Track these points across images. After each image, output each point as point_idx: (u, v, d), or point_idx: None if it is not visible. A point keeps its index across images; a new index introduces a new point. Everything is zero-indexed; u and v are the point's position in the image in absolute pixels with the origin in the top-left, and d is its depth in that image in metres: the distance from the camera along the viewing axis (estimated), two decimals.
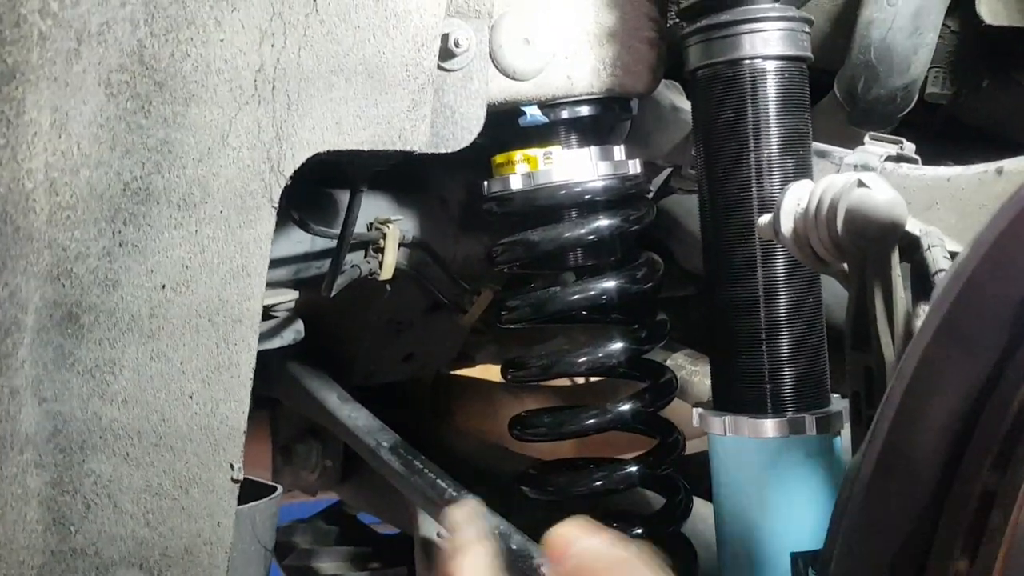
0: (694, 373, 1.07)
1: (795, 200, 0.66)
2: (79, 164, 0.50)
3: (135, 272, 0.55)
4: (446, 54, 0.73)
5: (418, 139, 0.69)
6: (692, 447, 0.96)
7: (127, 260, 0.54)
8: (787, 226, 0.66)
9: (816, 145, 0.85)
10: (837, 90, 0.98)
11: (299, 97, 0.61)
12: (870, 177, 0.63)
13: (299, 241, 0.87)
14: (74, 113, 0.50)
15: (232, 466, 0.61)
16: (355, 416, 1.00)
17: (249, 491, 0.67)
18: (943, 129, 1.13)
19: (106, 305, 0.54)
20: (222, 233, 0.59)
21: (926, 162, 0.92)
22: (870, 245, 0.62)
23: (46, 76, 0.48)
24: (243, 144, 0.59)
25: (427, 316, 1.14)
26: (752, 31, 0.75)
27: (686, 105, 0.97)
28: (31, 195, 0.48)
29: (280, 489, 0.68)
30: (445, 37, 0.72)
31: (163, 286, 0.56)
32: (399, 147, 0.68)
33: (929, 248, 0.62)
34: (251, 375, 0.62)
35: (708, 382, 0.94)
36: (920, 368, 0.48)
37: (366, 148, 0.66)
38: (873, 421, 0.50)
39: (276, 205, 0.62)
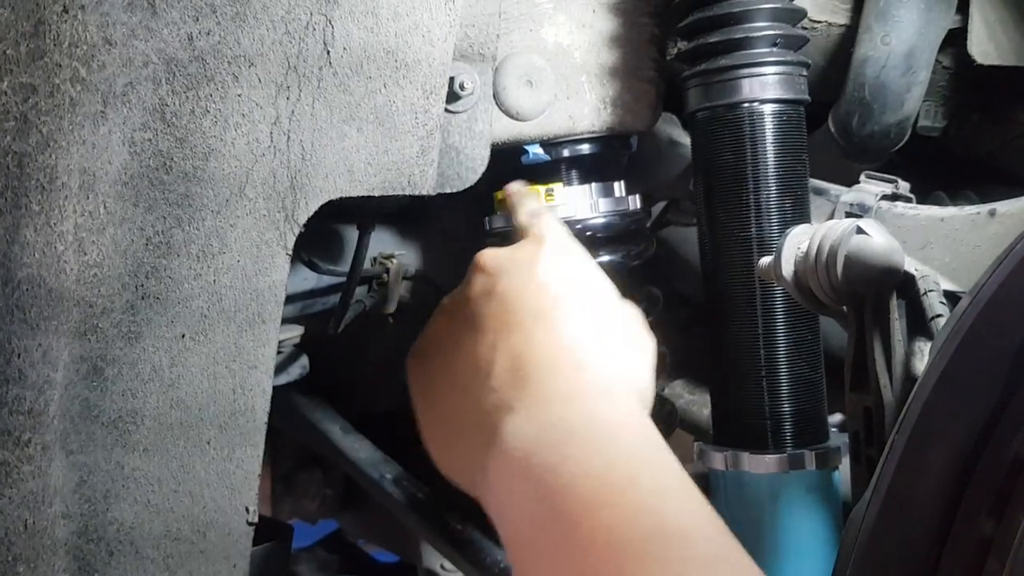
0: (692, 403, 1.08)
1: (795, 245, 0.68)
2: (105, 223, 0.52)
3: (156, 324, 0.56)
4: (452, 97, 0.75)
5: (426, 183, 0.71)
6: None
7: (149, 312, 0.56)
8: (787, 270, 0.68)
9: (813, 182, 0.87)
10: (832, 125, 1.00)
11: (313, 147, 0.63)
12: (868, 223, 0.65)
13: (305, 278, 0.89)
14: (100, 173, 0.51)
15: (248, 509, 0.62)
16: (358, 448, 1.01)
17: (261, 529, 0.68)
18: (935, 159, 1.16)
19: (129, 357, 0.55)
20: (239, 282, 0.60)
21: (918, 189, 0.94)
22: (868, 290, 0.64)
23: (76, 140, 0.49)
24: (259, 195, 0.60)
25: None
26: (751, 75, 0.77)
27: (684, 139, 0.99)
28: (62, 256, 0.49)
29: (293, 529, 0.69)
30: (451, 81, 0.74)
31: (183, 336, 0.58)
32: (408, 192, 0.69)
33: (925, 293, 0.64)
34: (265, 419, 0.63)
35: (707, 411, 0.95)
36: (921, 419, 0.50)
37: (377, 194, 0.67)
38: (877, 468, 0.52)
39: (290, 252, 0.63)
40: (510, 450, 0.58)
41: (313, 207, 0.64)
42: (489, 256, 0.72)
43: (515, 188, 0.83)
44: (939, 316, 0.62)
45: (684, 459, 0.92)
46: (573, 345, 0.64)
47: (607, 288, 0.71)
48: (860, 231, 0.64)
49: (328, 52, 0.62)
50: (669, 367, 1.04)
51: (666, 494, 0.54)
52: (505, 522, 0.58)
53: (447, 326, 0.71)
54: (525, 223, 0.77)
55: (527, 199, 0.81)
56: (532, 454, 0.56)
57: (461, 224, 1.04)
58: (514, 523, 0.57)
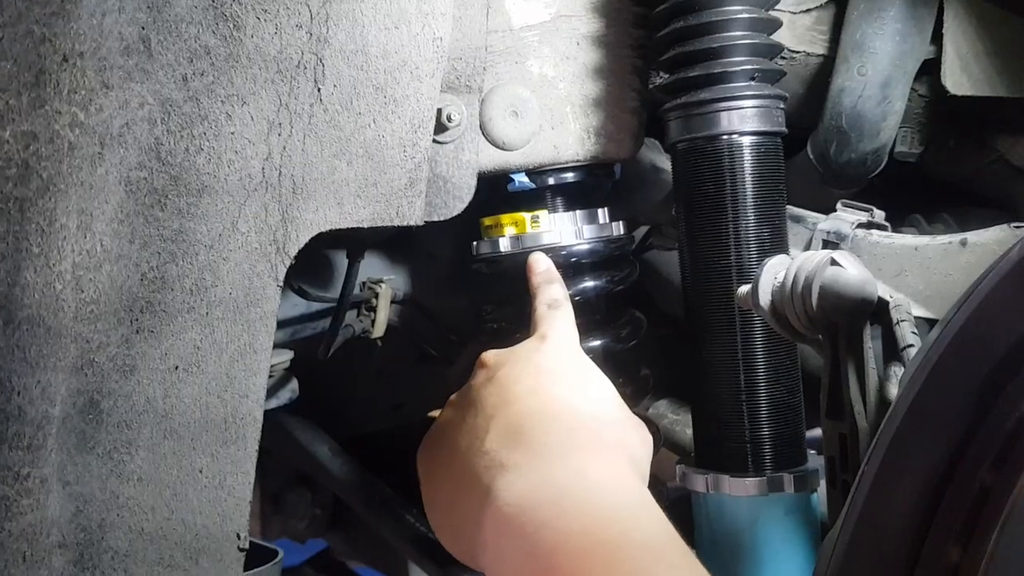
0: (675, 423, 1.10)
1: (772, 275, 0.70)
2: (102, 260, 0.53)
3: (150, 356, 0.58)
4: (439, 128, 0.76)
5: (414, 214, 0.72)
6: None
7: (143, 346, 0.57)
8: (765, 300, 0.70)
9: (791, 210, 0.89)
10: (811, 152, 1.02)
11: (303, 181, 0.64)
12: (842, 255, 0.67)
13: (295, 304, 0.90)
14: (97, 213, 0.53)
15: (239, 535, 0.63)
16: (347, 469, 1.03)
17: (250, 553, 0.69)
18: (912, 182, 1.18)
19: (124, 389, 0.57)
20: (231, 313, 0.61)
21: (895, 212, 0.96)
22: (842, 320, 0.66)
23: (74, 182, 0.51)
24: (251, 229, 0.62)
25: (415, 366, 1.17)
26: (730, 108, 0.79)
27: (667, 165, 1.01)
28: (60, 295, 0.51)
29: (282, 553, 0.71)
30: (439, 112, 0.75)
31: (176, 367, 0.59)
32: (397, 223, 0.71)
33: (898, 323, 0.66)
34: (256, 447, 0.65)
35: (690, 431, 0.97)
36: (891, 449, 0.52)
37: (366, 225, 0.69)
38: (849, 496, 0.53)
39: (281, 283, 0.65)
40: (504, 506, 0.59)
41: (304, 239, 0.65)
42: (491, 353, 0.76)
43: (541, 266, 0.85)
44: (910, 346, 0.64)
45: (667, 478, 0.94)
46: (567, 413, 0.67)
47: (606, 382, 0.74)
48: (834, 263, 0.66)
49: (319, 90, 0.63)
50: (652, 387, 1.05)
51: (659, 553, 0.55)
52: None
53: (451, 415, 0.74)
54: (539, 316, 0.79)
55: (551, 288, 0.82)
56: (525, 510, 0.57)
57: (447, 246, 1.06)
58: None
